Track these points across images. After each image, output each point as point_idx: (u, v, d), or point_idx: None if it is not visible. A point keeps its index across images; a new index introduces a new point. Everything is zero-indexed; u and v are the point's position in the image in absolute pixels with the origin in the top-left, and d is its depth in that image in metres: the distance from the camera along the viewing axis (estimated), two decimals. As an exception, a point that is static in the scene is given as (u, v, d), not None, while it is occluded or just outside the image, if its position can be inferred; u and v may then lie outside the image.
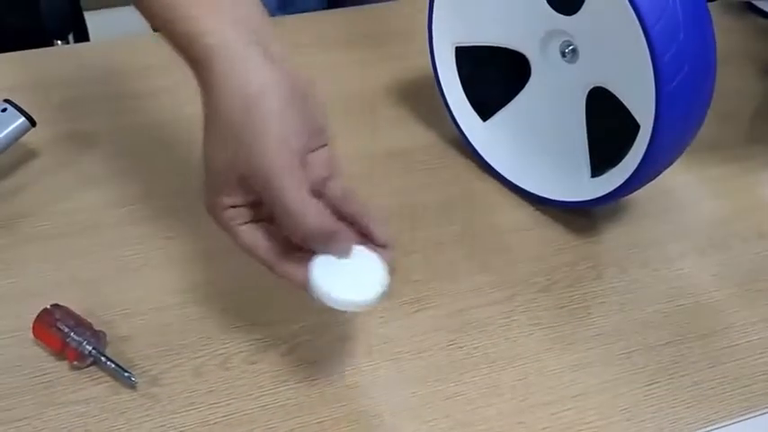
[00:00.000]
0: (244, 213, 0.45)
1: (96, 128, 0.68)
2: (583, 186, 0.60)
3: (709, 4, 0.65)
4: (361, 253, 0.44)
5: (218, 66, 0.43)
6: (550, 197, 0.62)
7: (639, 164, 0.53)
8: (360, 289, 0.43)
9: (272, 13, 0.86)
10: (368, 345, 0.52)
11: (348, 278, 0.43)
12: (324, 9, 0.90)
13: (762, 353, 0.54)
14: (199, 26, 0.43)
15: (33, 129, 0.62)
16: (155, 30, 0.49)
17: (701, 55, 0.50)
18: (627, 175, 0.55)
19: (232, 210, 0.45)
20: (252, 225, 0.45)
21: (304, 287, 0.44)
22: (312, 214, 0.42)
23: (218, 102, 0.43)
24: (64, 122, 0.68)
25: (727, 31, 0.88)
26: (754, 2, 0.89)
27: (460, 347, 0.53)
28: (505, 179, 0.65)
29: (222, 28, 0.43)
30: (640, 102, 0.52)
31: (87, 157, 0.65)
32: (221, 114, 0.43)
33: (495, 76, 0.65)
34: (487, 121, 0.66)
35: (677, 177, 0.64)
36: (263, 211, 0.45)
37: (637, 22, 0.48)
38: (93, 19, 1.55)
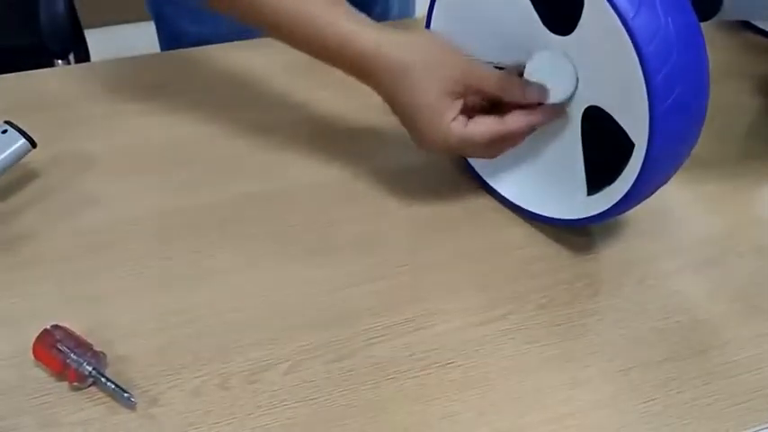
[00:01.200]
0: (462, 119, 0.59)
1: (96, 148, 0.69)
2: (579, 204, 0.60)
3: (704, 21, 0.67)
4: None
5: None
6: (547, 215, 0.62)
7: (634, 182, 0.54)
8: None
9: None
10: (367, 364, 0.53)
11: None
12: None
13: (757, 369, 0.54)
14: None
15: (34, 149, 0.62)
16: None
17: (694, 74, 0.51)
18: (622, 193, 0.55)
19: (454, 122, 0.58)
20: (474, 118, 0.59)
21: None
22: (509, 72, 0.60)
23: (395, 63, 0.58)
24: (64, 143, 0.69)
25: (721, 48, 0.89)
26: (749, 20, 0.90)
27: (458, 366, 0.53)
28: (503, 197, 0.65)
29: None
30: (635, 121, 0.53)
31: (87, 178, 0.66)
32: (401, 73, 0.58)
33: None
34: None
35: (673, 194, 0.64)
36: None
37: (630, 42, 0.49)
38: (94, 36, 1.57)
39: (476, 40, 0.63)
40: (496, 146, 0.61)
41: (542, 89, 0.59)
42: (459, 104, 0.58)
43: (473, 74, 0.59)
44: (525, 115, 0.59)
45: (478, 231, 0.64)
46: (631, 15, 0.48)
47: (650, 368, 0.53)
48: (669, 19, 0.49)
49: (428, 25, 0.65)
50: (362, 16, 0.59)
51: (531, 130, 0.61)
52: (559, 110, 0.59)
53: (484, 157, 0.64)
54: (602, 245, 0.63)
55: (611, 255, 0.62)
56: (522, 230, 0.64)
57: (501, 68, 0.61)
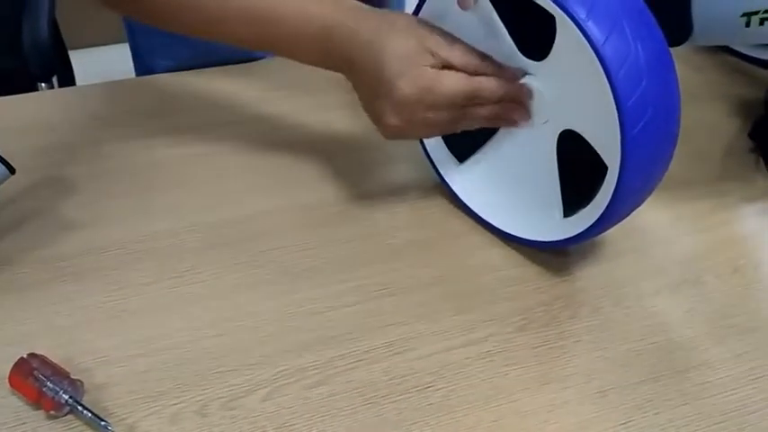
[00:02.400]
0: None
1: (76, 173, 0.69)
2: (556, 226, 0.61)
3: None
4: None
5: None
6: (525, 237, 0.63)
7: (608, 204, 0.54)
8: None
9: None
10: (346, 388, 0.53)
11: None
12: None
13: (734, 389, 0.54)
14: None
15: (12, 176, 0.62)
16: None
17: (665, 100, 0.52)
18: (597, 215, 0.56)
19: (425, 67, 0.57)
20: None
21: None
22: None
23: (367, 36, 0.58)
24: (43, 168, 0.69)
25: (698, 69, 0.90)
26: (719, 45, 0.91)
27: (438, 389, 0.53)
28: (482, 219, 0.66)
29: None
30: (608, 144, 0.53)
31: (66, 204, 0.66)
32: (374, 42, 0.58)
33: None
34: (463, 164, 0.68)
35: (650, 215, 0.65)
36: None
37: (600, 68, 0.50)
38: (79, 58, 1.57)
39: None
40: (460, 108, 0.59)
41: (518, 71, 0.59)
42: (429, 59, 0.57)
43: (439, 37, 0.58)
44: (497, 81, 0.58)
45: (457, 253, 0.64)
46: (602, 42, 0.49)
47: (627, 390, 0.54)
48: (639, 45, 0.50)
49: None
50: None
51: (499, 101, 0.59)
52: (530, 93, 0.59)
53: (442, 125, 0.60)
54: (580, 266, 0.63)
55: (588, 276, 0.62)
56: (500, 252, 0.64)
57: None
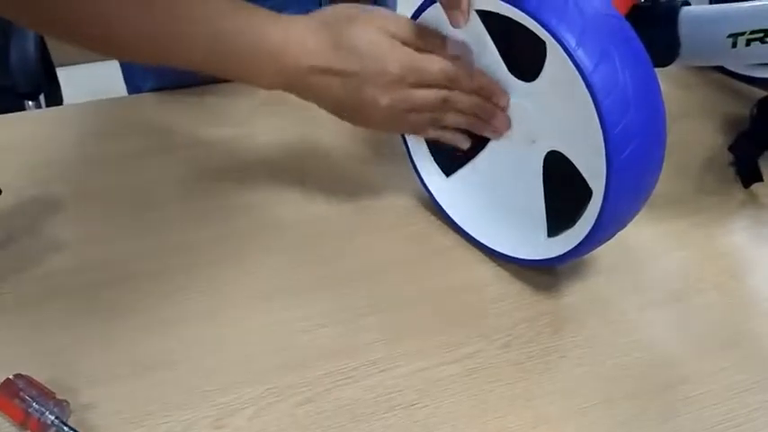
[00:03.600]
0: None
1: (62, 192, 0.69)
2: (539, 245, 0.61)
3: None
4: None
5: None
6: (510, 254, 0.63)
7: (592, 227, 0.55)
8: None
9: None
10: (333, 406, 0.53)
11: None
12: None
13: (715, 404, 0.55)
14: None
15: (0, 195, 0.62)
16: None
17: (651, 128, 0.52)
18: (581, 238, 0.56)
19: (401, 47, 0.59)
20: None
21: None
22: None
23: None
24: (30, 187, 0.69)
25: (685, 86, 0.91)
26: (706, 65, 0.91)
27: (424, 407, 0.53)
28: (468, 235, 0.66)
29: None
30: (593, 169, 0.54)
31: (53, 223, 0.66)
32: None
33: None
34: (450, 177, 0.68)
35: (635, 232, 0.65)
36: None
37: (588, 95, 0.50)
38: (66, 75, 1.57)
39: None
40: (444, 91, 0.61)
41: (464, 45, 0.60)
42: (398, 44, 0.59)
43: (392, 18, 0.60)
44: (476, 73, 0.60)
45: (442, 270, 0.64)
46: (590, 70, 0.50)
47: (611, 405, 0.54)
48: (627, 73, 0.50)
49: None
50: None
51: (478, 91, 0.61)
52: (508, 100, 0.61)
53: (428, 106, 0.61)
54: (564, 283, 0.64)
55: (573, 292, 0.63)
56: (484, 269, 0.65)
57: None
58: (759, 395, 0.56)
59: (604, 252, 0.64)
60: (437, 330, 0.59)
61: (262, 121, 0.79)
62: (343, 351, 0.57)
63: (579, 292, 0.63)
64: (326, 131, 0.77)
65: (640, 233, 0.68)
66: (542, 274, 0.64)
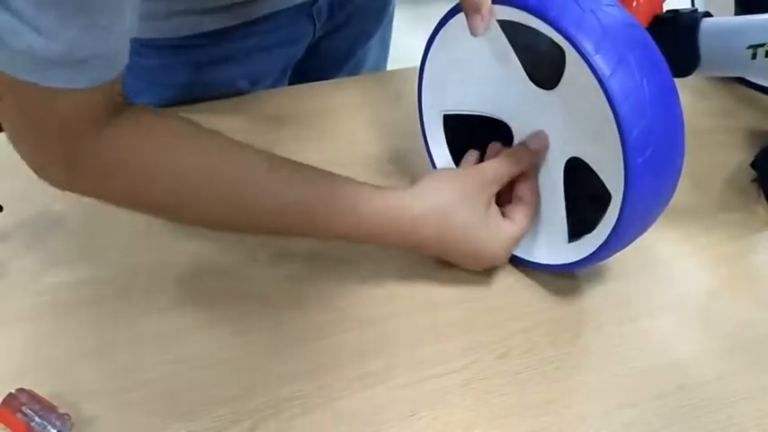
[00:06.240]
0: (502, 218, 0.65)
1: (62, 210, 0.70)
2: (560, 250, 0.62)
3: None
4: None
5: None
6: (530, 259, 0.65)
7: (611, 232, 0.56)
8: None
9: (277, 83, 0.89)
10: (330, 419, 0.53)
11: None
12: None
13: (712, 412, 0.55)
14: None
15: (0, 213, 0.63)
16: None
17: (669, 132, 0.53)
18: (600, 242, 0.57)
19: (503, 221, 0.64)
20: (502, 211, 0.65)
21: None
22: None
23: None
24: (30, 204, 0.70)
25: (705, 97, 0.89)
26: (727, 75, 0.90)
27: (421, 418, 0.54)
28: None
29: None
30: (612, 174, 0.55)
31: (53, 239, 0.67)
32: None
33: (479, 141, 0.69)
34: None
35: (639, 241, 0.66)
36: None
37: (606, 100, 0.51)
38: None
39: (466, 93, 0.66)
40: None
41: (538, 134, 0.62)
42: (494, 206, 0.64)
43: (489, 172, 0.63)
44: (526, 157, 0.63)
45: (438, 281, 0.65)
46: (608, 75, 0.51)
47: (608, 414, 0.55)
48: (645, 79, 0.51)
49: (420, 78, 0.68)
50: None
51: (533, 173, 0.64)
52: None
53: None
54: (559, 293, 0.64)
55: (568, 303, 0.63)
56: (480, 280, 0.65)
57: (485, 117, 0.65)
58: (759, 403, 0.56)
59: (601, 263, 0.65)
60: (433, 341, 0.59)
61: (258, 138, 0.79)
62: (340, 363, 0.57)
63: (574, 302, 0.64)
64: (319, 152, 0.77)
65: (640, 243, 0.68)
66: (537, 285, 0.65)
